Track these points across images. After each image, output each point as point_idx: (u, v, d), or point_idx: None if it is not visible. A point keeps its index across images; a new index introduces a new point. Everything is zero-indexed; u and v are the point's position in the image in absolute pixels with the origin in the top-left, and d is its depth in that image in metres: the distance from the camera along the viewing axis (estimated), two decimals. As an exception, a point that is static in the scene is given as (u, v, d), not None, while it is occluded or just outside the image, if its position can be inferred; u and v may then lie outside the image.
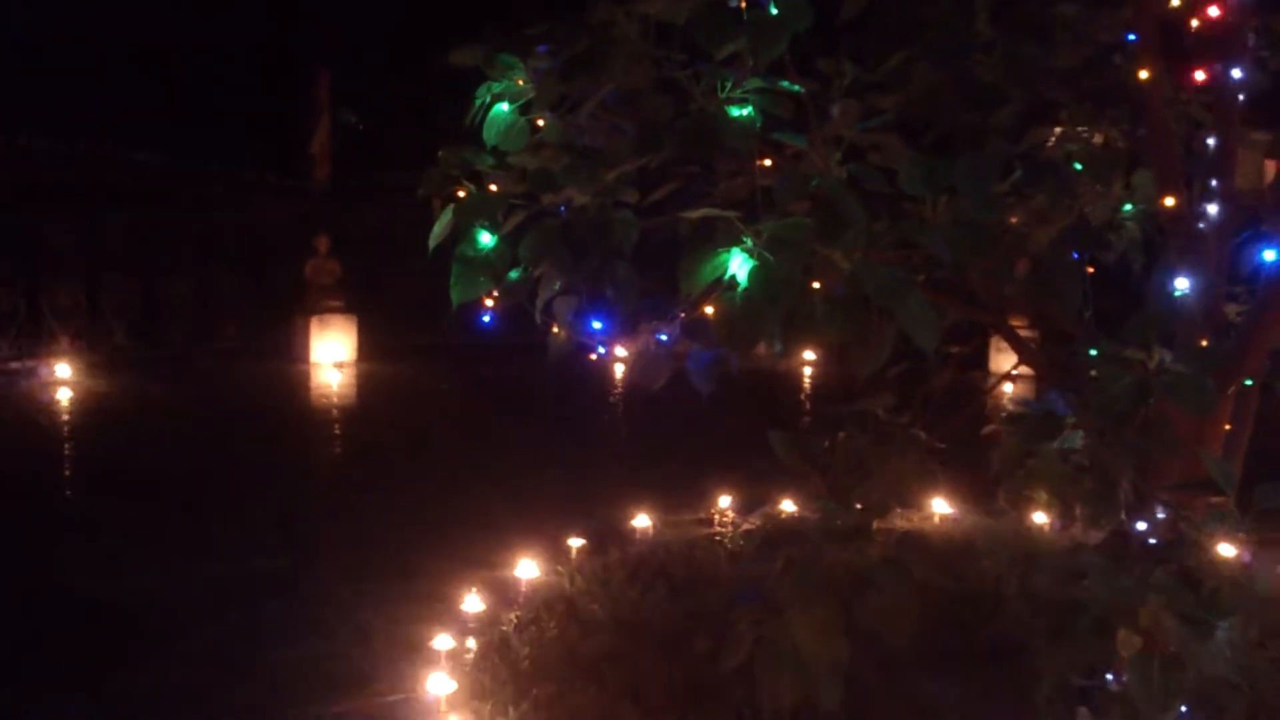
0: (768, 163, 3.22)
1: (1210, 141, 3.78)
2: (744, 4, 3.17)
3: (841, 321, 3.01)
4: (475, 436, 9.48)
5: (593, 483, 7.45)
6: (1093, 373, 2.96)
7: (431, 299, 14.84)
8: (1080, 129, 4.58)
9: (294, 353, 13.16)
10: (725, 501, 6.49)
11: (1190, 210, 3.71)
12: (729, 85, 3.10)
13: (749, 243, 2.90)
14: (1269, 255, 3.94)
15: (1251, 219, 3.89)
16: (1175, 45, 3.72)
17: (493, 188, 3.65)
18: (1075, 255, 4.08)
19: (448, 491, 7.49)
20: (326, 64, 17.91)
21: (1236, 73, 3.56)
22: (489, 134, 3.61)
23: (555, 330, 3.36)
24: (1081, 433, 3.45)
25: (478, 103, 3.70)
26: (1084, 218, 4.17)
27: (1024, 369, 4.10)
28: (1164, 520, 3.35)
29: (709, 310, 3.38)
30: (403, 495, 7.55)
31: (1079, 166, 4.01)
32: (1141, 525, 3.43)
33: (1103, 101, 4.42)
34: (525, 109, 3.65)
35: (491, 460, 8.38)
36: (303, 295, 13.20)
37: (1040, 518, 6.03)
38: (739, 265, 2.90)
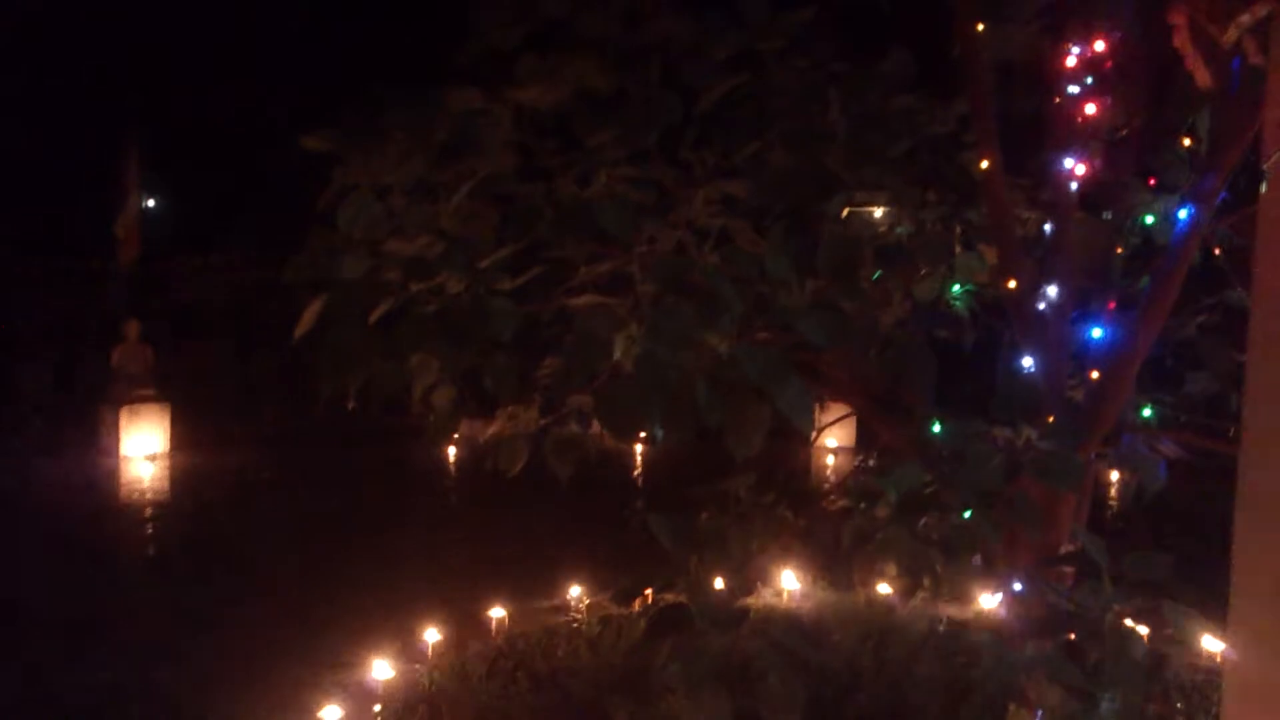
0: (644, 249, 3.24)
1: (1046, 227, 4.01)
2: (613, 96, 3.22)
3: (721, 406, 3.02)
4: (307, 529, 9.08)
5: (435, 571, 7.23)
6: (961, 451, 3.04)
7: (252, 384, 14.23)
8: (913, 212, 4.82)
9: (102, 446, 12.38)
10: (576, 588, 6.39)
11: (1030, 292, 3.92)
12: (603, 174, 3.12)
13: (633, 331, 2.91)
14: (1096, 333, 4.21)
15: (1084, 299, 4.14)
16: (1011, 134, 3.95)
17: (350, 274, 3.56)
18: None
19: (282, 590, 7.12)
20: (135, 140, 17.22)
21: (1069, 161, 3.80)
22: (343, 218, 3.52)
23: (433, 420, 3.26)
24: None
25: (334, 187, 3.62)
26: (939, 299, 4.37)
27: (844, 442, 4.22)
28: (1034, 594, 3.48)
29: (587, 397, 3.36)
30: (232, 596, 7.13)
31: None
32: (1012, 598, 3.56)
33: (935, 187, 4.67)
34: (380, 193, 3.58)
35: (328, 553, 8.02)
36: (111, 384, 12.47)
37: (885, 590, 6.17)
38: (624, 353, 2.90)
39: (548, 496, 5.29)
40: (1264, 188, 1.95)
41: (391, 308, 3.20)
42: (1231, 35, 1.88)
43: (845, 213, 4.62)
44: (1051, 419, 3.53)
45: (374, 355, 3.09)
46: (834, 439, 12.06)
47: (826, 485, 10.15)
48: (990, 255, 4.81)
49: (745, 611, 3.36)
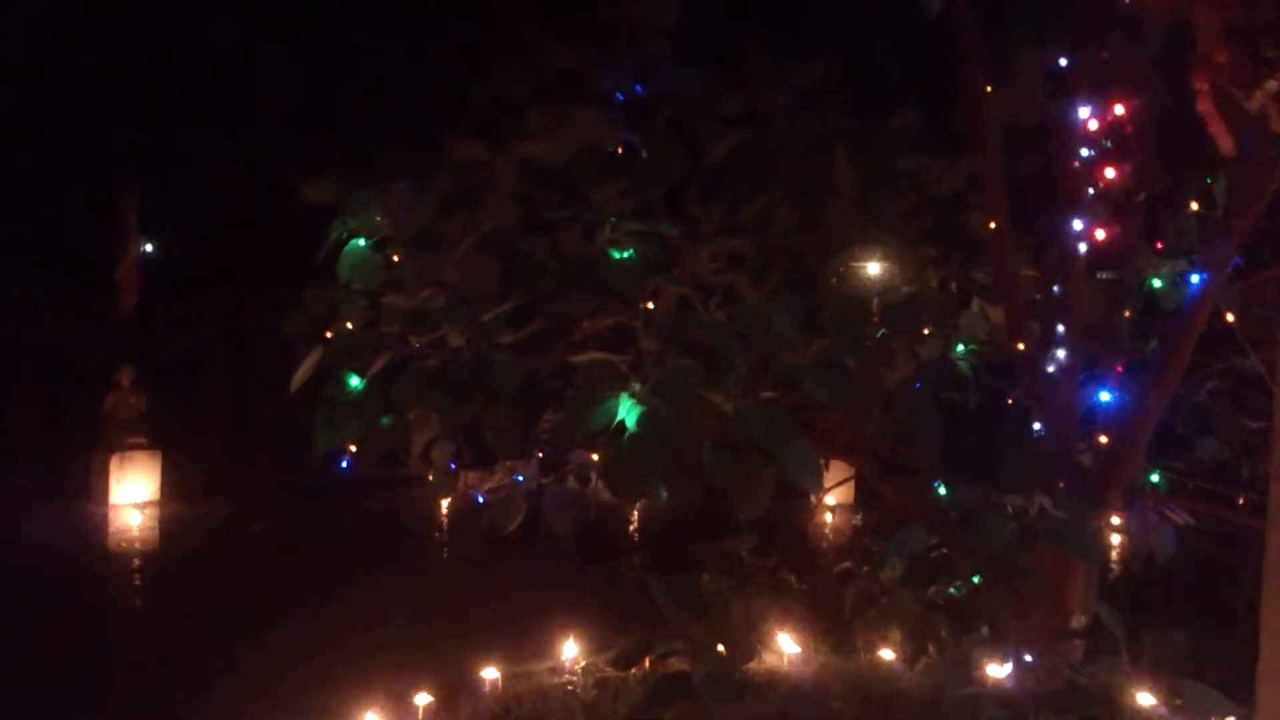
0: (650, 305, 3.19)
1: (1055, 289, 3.97)
2: (619, 149, 3.19)
3: (727, 466, 2.96)
4: (298, 582, 8.92)
5: (428, 628, 7.08)
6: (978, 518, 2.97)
7: (244, 432, 14.11)
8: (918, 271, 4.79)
9: (92, 494, 12.24)
10: (572, 649, 6.25)
11: (1039, 353, 3.87)
12: (609, 227, 3.08)
13: (637, 388, 2.85)
14: (1105, 396, 4.16)
15: (1091, 362, 4.09)
16: (1017, 194, 3.92)
17: (348, 325, 3.51)
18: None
19: (270, 644, 6.96)
20: (135, 184, 17.25)
21: (1078, 223, 3.77)
22: (343, 269, 3.49)
23: (431, 478, 3.19)
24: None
25: (332, 237, 3.58)
26: (944, 358, 4.32)
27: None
28: (1046, 666, 3.39)
29: (594, 457, 3.30)
30: (219, 650, 6.97)
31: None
32: (1023, 669, 3.47)
33: (940, 245, 4.64)
34: (380, 244, 3.54)
35: (319, 607, 7.87)
36: (102, 431, 12.36)
37: (888, 655, 6.05)
38: (628, 411, 2.84)
39: (544, 552, 5.20)
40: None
41: (390, 361, 3.14)
42: (1258, 102, 1.83)
43: (848, 269, 4.60)
44: (1063, 485, 3.46)
45: (372, 409, 3.03)
46: (832, 496, 11.94)
47: (825, 544, 10.03)
48: (994, 314, 4.78)
49: (749, 682, 3.26)
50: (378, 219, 3.57)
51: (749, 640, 4.12)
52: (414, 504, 10.68)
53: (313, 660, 6.54)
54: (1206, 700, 2.66)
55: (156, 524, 11.46)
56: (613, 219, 2.99)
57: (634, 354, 3.30)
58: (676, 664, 3.84)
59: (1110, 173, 3.54)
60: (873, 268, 4.46)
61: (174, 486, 12.28)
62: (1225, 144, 1.93)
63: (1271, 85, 1.81)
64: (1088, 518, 2.82)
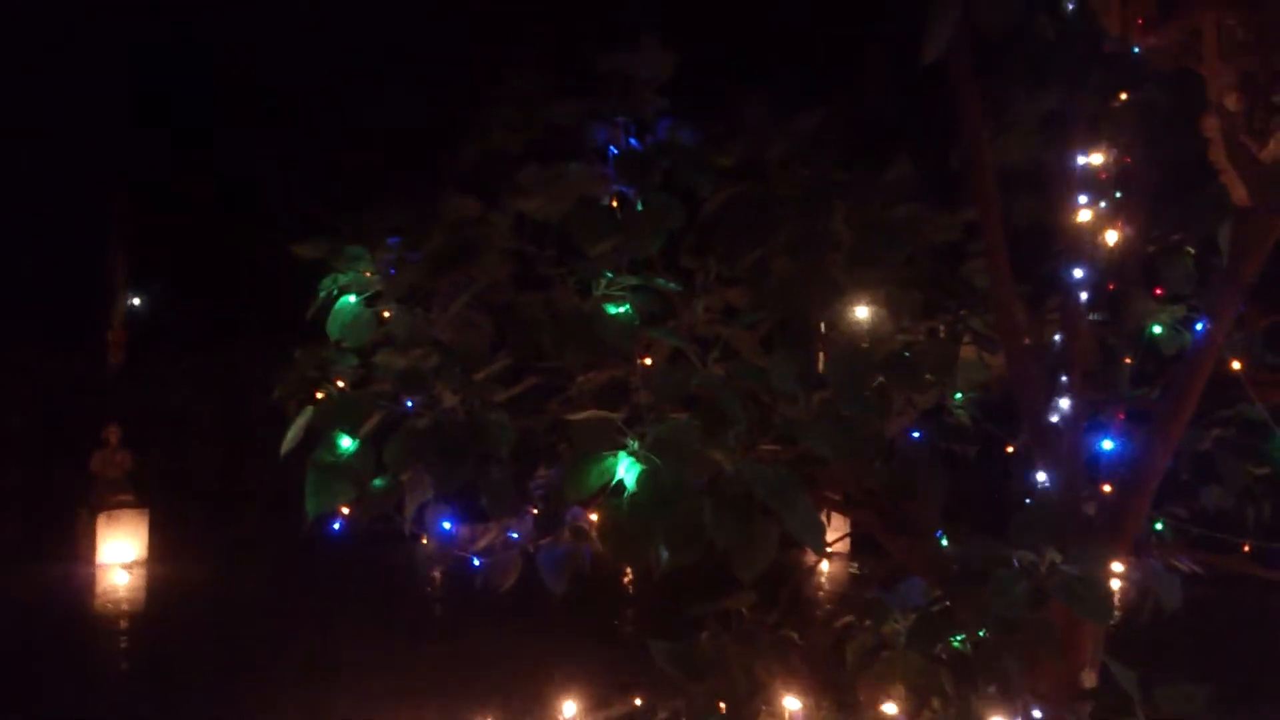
0: (648, 361, 3.13)
1: (1057, 337, 3.92)
2: (615, 203, 3.15)
3: (729, 525, 2.88)
4: (287, 642, 8.78)
5: (420, 687, 6.96)
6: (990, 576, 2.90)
7: (235, 490, 13.99)
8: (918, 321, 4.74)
9: (78, 553, 12.08)
10: (570, 708, 6.13)
11: (1043, 403, 3.81)
12: (604, 283, 3.03)
13: (634, 446, 2.78)
14: (1108, 445, 4.09)
15: (1093, 410, 4.03)
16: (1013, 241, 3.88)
17: (340, 384, 3.44)
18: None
19: (258, 707, 6.83)
20: (123, 237, 17.21)
21: (1079, 272, 3.73)
22: (333, 327, 3.44)
23: (425, 541, 3.11)
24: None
25: (322, 294, 3.53)
26: (941, 407, 4.26)
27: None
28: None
29: (593, 518, 3.22)
30: (206, 715, 6.83)
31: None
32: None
33: (938, 295, 4.59)
34: (371, 301, 3.49)
35: (308, 667, 7.74)
36: (89, 490, 12.23)
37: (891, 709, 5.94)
38: (626, 470, 2.77)
39: (538, 608, 5.10)
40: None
41: (382, 422, 3.07)
42: (1273, 150, 1.79)
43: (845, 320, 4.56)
44: (1073, 539, 3.38)
45: (364, 472, 2.95)
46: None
47: (822, 594, 9.92)
48: (992, 362, 4.73)
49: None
50: (368, 275, 3.52)
51: (752, 701, 4.02)
52: (407, 560, 10.56)
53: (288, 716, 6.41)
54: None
55: (144, 584, 11.31)
56: (608, 274, 2.94)
57: (628, 410, 3.23)
58: (679, 728, 3.74)
59: (1110, 222, 3.51)
60: (869, 317, 4.43)
61: (162, 545, 12.15)
62: (1238, 193, 1.88)
63: (1285, 133, 1.77)
64: (1101, 574, 2.75)
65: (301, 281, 3.64)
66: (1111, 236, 3.57)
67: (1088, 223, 3.66)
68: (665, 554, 2.89)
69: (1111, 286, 3.71)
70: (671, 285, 3.10)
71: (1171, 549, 4.20)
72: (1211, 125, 1.84)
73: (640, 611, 9.10)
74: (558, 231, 3.12)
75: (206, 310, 16.94)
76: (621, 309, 2.95)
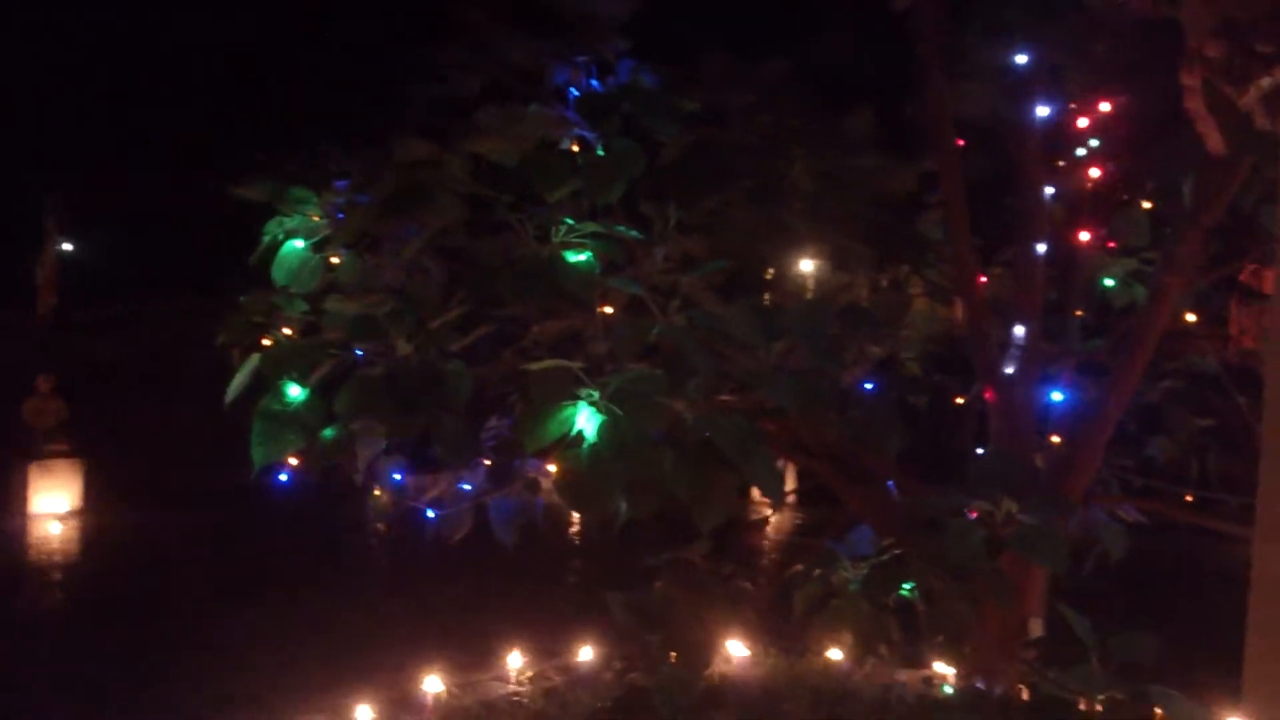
0: (609, 310, 3.07)
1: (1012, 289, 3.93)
2: (576, 146, 3.07)
3: (690, 476, 2.86)
4: (222, 594, 8.63)
5: (364, 640, 6.89)
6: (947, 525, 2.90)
7: (173, 440, 13.71)
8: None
9: (9, 504, 11.80)
10: (517, 659, 6.11)
11: (999, 355, 3.82)
12: (564, 229, 2.96)
13: (595, 396, 2.73)
14: (1058, 397, 4.13)
15: (1047, 362, 4.05)
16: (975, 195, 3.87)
17: (286, 332, 3.35)
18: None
19: (192, 661, 6.71)
20: (57, 182, 16.71)
21: (1041, 248, 3.72)
22: (279, 272, 3.34)
23: (377, 493, 3.04)
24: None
25: (266, 239, 3.42)
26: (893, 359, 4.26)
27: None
28: (1008, 671, 3.34)
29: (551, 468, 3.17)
30: (138, 667, 6.70)
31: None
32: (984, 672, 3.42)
33: (893, 245, 4.58)
34: (318, 246, 3.39)
35: (245, 621, 7.61)
36: (20, 439, 11.92)
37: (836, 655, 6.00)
38: (586, 420, 2.72)
39: (483, 558, 5.05)
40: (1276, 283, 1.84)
41: (332, 370, 2.99)
42: (1251, 98, 1.77)
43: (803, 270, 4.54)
44: (1028, 489, 3.41)
45: (314, 422, 2.87)
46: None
47: (768, 543, 9.98)
48: (943, 314, 4.74)
49: (708, 695, 3.17)
50: (315, 219, 3.42)
51: (704, 650, 4.03)
52: (354, 512, 10.43)
53: (240, 675, 6.32)
54: (1174, 707, 2.62)
55: (77, 535, 11.06)
56: (569, 220, 2.87)
57: (583, 359, 3.18)
58: (633, 677, 3.74)
59: (1093, 172, 3.49)
60: (826, 268, 4.40)
61: (97, 496, 11.88)
62: (1215, 143, 1.86)
63: (1264, 81, 1.75)
64: (1058, 524, 2.76)
65: (246, 226, 3.53)
66: (1077, 188, 3.56)
67: (1045, 175, 3.65)
68: (624, 505, 2.85)
69: (1067, 236, 3.71)
70: (633, 233, 3.04)
71: (1117, 499, 4.26)
72: (1191, 74, 1.81)
73: (593, 563, 9.10)
74: (516, 175, 3.04)
75: (142, 256, 16.53)
76: (582, 257, 2.89)
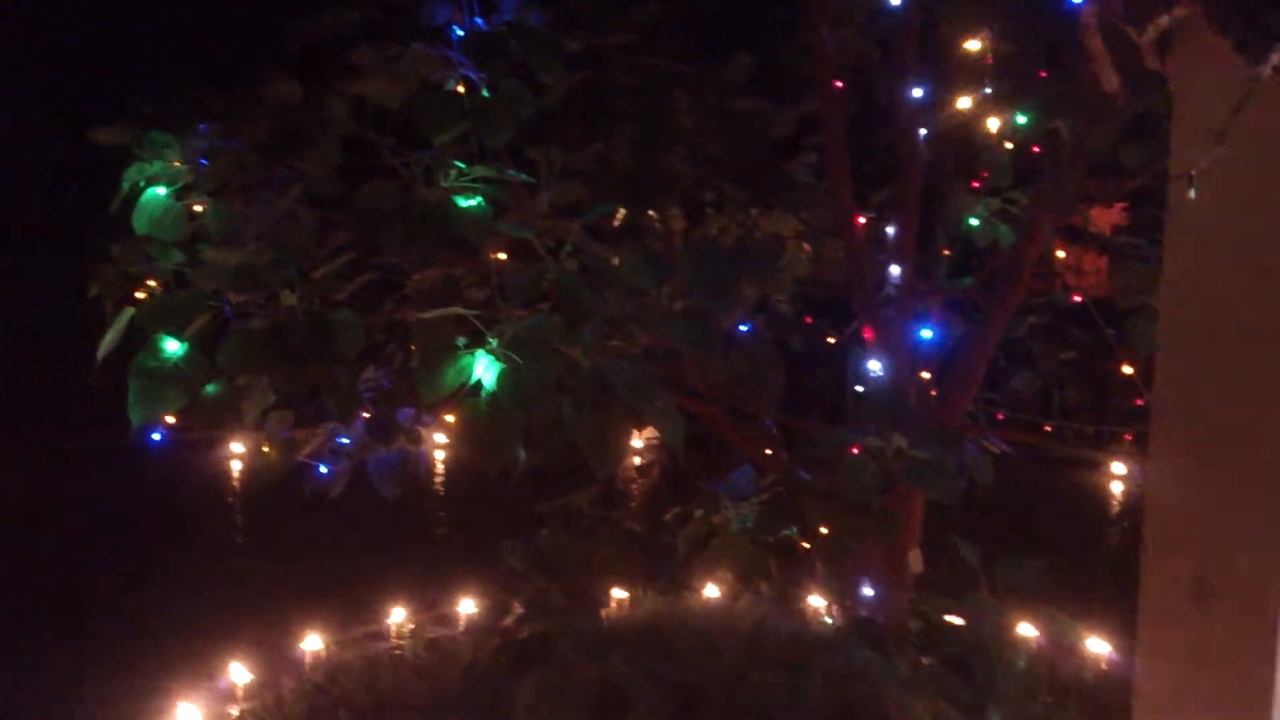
0: (503, 256, 3.02)
1: (890, 230, 4.01)
2: (462, 88, 2.98)
3: (588, 422, 2.84)
4: (83, 560, 8.26)
5: (237, 601, 6.69)
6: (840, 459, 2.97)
7: (32, 398, 12.98)
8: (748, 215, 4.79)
9: None
10: (397, 614, 6.02)
11: (877, 293, 3.91)
12: (453, 174, 2.87)
13: (494, 344, 2.68)
14: (927, 334, 4.26)
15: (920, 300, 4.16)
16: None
17: (151, 283, 3.19)
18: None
19: (56, 630, 6.42)
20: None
21: (911, 164, 3.81)
22: (140, 221, 3.17)
23: (265, 449, 2.93)
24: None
25: (126, 186, 3.24)
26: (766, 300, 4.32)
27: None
28: (894, 601, 3.46)
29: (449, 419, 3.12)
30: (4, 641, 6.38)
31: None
32: (875, 605, 3.52)
33: (769, 188, 4.64)
34: (182, 194, 3.24)
35: (111, 586, 7.30)
36: None
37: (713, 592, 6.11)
38: (485, 369, 2.67)
39: (355, 511, 4.95)
40: (1171, 193, 1.91)
41: (209, 323, 2.86)
42: (1151, 36, 1.83)
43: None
44: (912, 425, 3.51)
45: (195, 377, 2.75)
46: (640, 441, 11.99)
47: (635, 484, 10.06)
48: (814, 255, 4.83)
49: (615, 639, 3.19)
50: (177, 165, 3.26)
51: (595, 593, 4.06)
52: (208, 463, 10.06)
53: (111, 641, 6.07)
54: (1063, 629, 2.75)
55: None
56: (460, 164, 2.79)
57: (463, 307, 3.13)
58: (525, 626, 3.73)
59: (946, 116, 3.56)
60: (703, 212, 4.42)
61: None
62: (1112, 83, 1.92)
63: (1165, 20, 1.80)
64: (947, 457, 2.85)
65: (105, 172, 3.34)
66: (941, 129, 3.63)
67: (920, 117, 3.73)
68: (523, 454, 2.82)
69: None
70: (523, 177, 2.98)
71: (984, 430, 4.43)
72: (1090, 11, 1.86)
73: (474, 514, 8.98)
74: (399, 118, 2.94)
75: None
76: (474, 201, 2.82)
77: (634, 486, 8.30)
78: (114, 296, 2.89)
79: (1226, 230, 1.82)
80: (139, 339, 2.83)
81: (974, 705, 2.54)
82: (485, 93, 2.92)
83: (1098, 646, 4.89)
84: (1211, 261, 1.86)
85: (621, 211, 3.60)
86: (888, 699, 2.70)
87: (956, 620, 2.69)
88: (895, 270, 3.97)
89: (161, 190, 3.22)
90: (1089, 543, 7.87)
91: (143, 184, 3.23)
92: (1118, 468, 8.22)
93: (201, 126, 3.31)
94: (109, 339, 2.80)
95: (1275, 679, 1.82)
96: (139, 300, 2.85)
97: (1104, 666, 4.82)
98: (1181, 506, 1.99)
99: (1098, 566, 6.74)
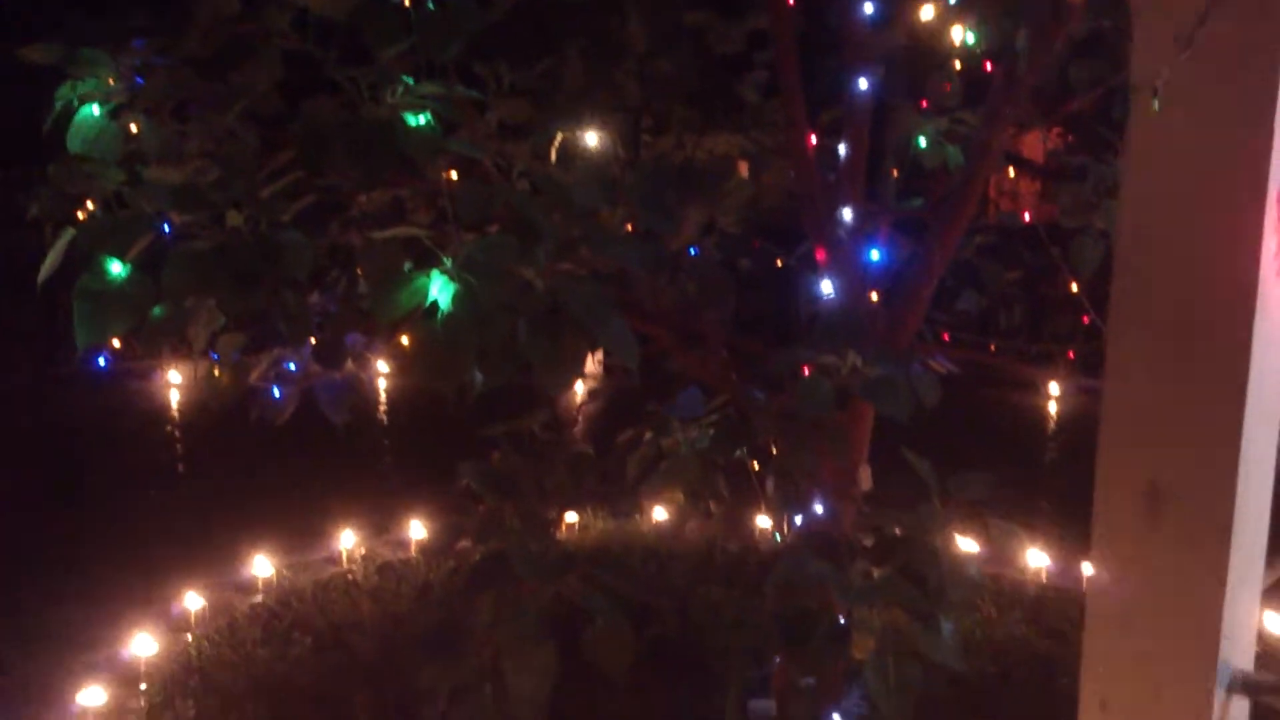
0: (454, 175, 2.96)
1: (841, 149, 3.99)
2: (408, 2, 2.89)
3: (543, 343, 2.82)
4: (31, 493, 8.11)
5: (186, 529, 6.63)
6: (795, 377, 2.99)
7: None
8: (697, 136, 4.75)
9: None
10: (348, 538, 6.01)
11: (829, 214, 3.90)
12: (401, 90, 2.80)
13: (448, 264, 2.64)
14: (874, 255, 4.28)
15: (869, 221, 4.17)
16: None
17: (89, 205, 3.11)
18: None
19: (17, 565, 6.32)
20: None
21: (864, 83, 3.78)
22: (74, 141, 3.09)
23: (216, 373, 2.88)
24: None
25: (59, 105, 3.14)
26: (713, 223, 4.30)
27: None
28: (845, 515, 3.51)
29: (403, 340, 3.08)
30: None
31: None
32: (826, 521, 3.58)
33: (722, 110, 4.59)
34: (117, 113, 3.13)
35: (61, 518, 7.19)
36: None
37: (662, 515, 6.18)
38: (439, 290, 2.63)
39: (298, 439, 4.90)
40: (1133, 105, 1.91)
41: (157, 244, 2.78)
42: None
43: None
44: (867, 344, 3.54)
45: (141, 299, 2.67)
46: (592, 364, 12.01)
47: (586, 408, 10.08)
48: (765, 177, 4.80)
49: (571, 559, 3.20)
50: (111, 82, 3.15)
51: (541, 515, 4.07)
52: (162, 397, 9.90)
53: (54, 576, 6.00)
54: (1013, 538, 2.82)
55: None
56: (408, 79, 2.71)
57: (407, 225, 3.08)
58: (479, 547, 3.73)
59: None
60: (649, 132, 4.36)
61: None
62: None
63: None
64: (903, 374, 2.88)
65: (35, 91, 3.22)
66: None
67: (872, 37, 3.69)
68: (479, 375, 2.80)
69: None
70: (474, 94, 2.91)
71: (930, 349, 4.48)
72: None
73: (421, 438, 8.93)
74: (343, 31, 2.85)
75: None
76: (422, 119, 2.75)
77: (585, 410, 8.32)
78: (52, 218, 2.80)
79: (1188, 140, 1.83)
80: (79, 266, 2.76)
81: (927, 613, 2.59)
82: (431, 4, 2.85)
83: (1038, 558, 5.05)
84: (1174, 175, 1.87)
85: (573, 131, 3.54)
86: (840, 609, 2.75)
87: (908, 532, 2.73)
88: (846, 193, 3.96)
89: (96, 109, 3.12)
90: (1030, 459, 8.09)
91: (76, 103, 3.13)
92: (1054, 388, 8.42)
93: (136, 42, 3.20)
94: (50, 262, 2.71)
95: (1226, 586, 1.88)
96: (79, 221, 2.76)
97: (1044, 578, 4.97)
98: (1136, 410, 2.01)
99: (1040, 481, 6.94)
